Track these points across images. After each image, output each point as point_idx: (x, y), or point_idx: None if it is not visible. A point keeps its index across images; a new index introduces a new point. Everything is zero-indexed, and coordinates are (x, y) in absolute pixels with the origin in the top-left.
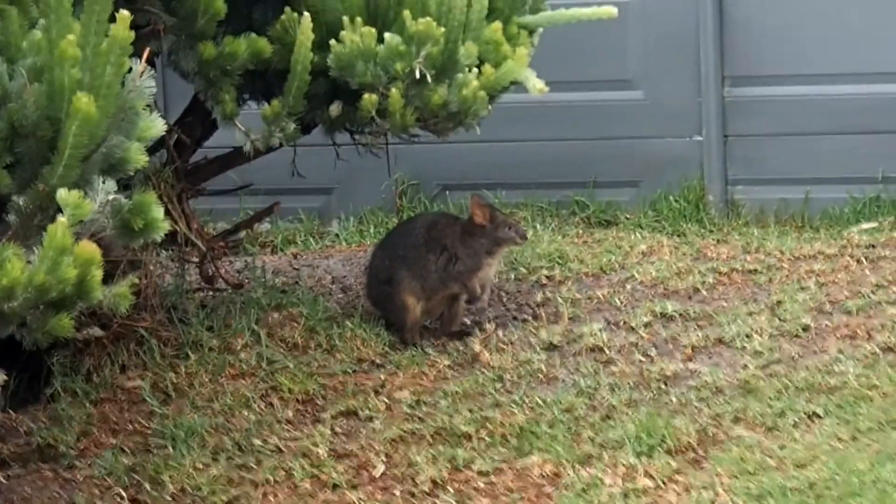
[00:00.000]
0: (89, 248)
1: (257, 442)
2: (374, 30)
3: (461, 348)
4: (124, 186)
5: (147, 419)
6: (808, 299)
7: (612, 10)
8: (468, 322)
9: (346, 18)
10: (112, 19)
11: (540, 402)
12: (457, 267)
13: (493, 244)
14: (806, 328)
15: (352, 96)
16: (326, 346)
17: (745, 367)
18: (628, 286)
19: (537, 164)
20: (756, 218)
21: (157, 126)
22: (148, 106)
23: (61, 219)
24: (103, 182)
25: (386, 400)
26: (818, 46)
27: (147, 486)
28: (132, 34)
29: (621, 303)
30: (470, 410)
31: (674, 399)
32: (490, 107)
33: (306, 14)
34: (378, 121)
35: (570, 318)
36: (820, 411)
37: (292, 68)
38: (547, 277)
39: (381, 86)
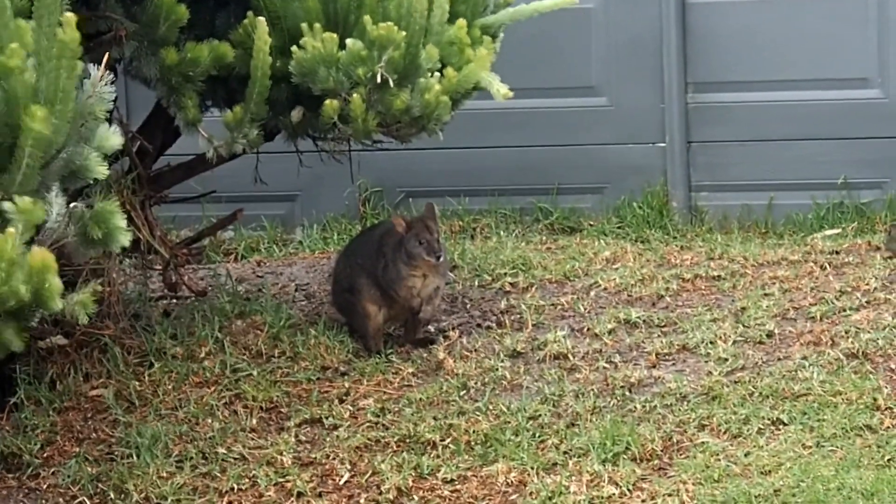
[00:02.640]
0: (42, 256)
1: (221, 450)
2: (335, 35)
3: (425, 356)
4: (87, 194)
5: (111, 427)
6: (772, 305)
7: None
8: (432, 329)
9: (305, 25)
10: None
11: (504, 409)
12: (387, 275)
13: (407, 256)
14: (770, 334)
15: (314, 102)
16: (290, 353)
17: (709, 373)
18: (592, 293)
19: (501, 171)
20: (720, 224)
21: (114, 139)
22: (109, 112)
23: (10, 230)
24: (64, 189)
25: (350, 408)
26: (781, 52)
27: (112, 494)
28: (78, 35)
29: (585, 309)
30: (434, 418)
31: (638, 406)
32: (453, 112)
33: (261, 18)
34: (340, 126)
35: (534, 326)
36: (784, 418)
37: (252, 74)
38: (511, 284)
39: (343, 91)
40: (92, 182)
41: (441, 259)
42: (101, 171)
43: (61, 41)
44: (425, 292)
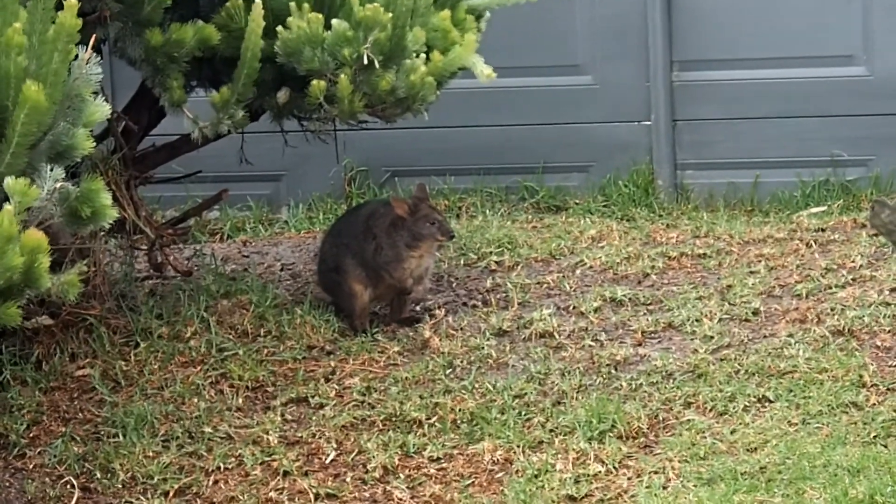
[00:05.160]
0: (36, 236)
1: (208, 429)
2: (321, 16)
3: (411, 335)
4: (72, 174)
5: (97, 407)
6: (758, 283)
7: None
8: (418, 308)
9: (293, 4)
10: (59, 6)
11: (490, 387)
12: (382, 257)
13: (412, 238)
14: (756, 312)
15: (299, 83)
16: (276, 333)
17: (695, 351)
18: (578, 271)
19: (486, 150)
20: (705, 202)
21: (102, 110)
22: (94, 93)
23: (7, 207)
24: (51, 169)
25: (336, 387)
26: (766, 30)
27: (98, 474)
28: (80, 22)
29: (571, 288)
30: (420, 397)
31: (624, 384)
32: (438, 92)
33: (258, 1)
34: (326, 107)
35: (519, 304)
36: (770, 395)
37: (242, 55)
38: (496, 263)
39: (329, 72)
40: (78, 161)
41: (454, 237)
42: (88, 146)
43: (60, 24)
44: (417, 273)
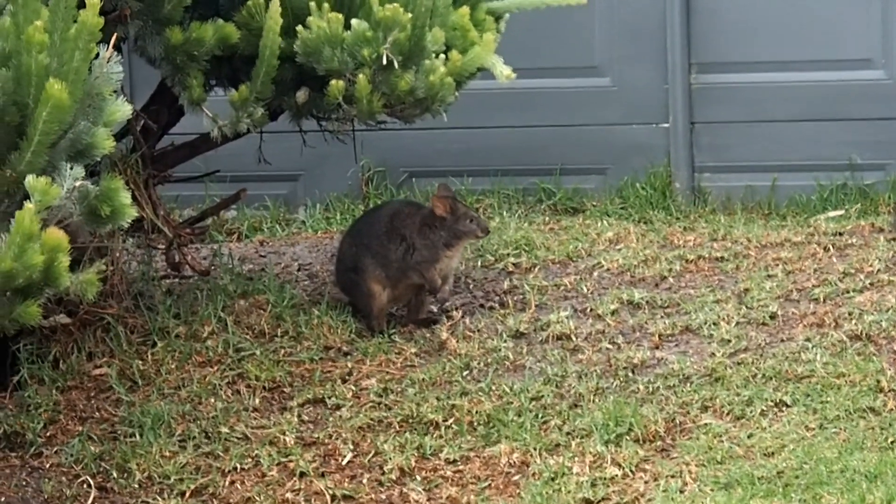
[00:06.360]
0: (56, 235)
1: (224, 430)
2: (340, 15)
3: (428, 336)
4: (91, 173)
5: (114, 406)
6: (776, 287)
7: None
8: (435, 309)
9: (313, 4)
10: (81, 5)
11: (507, 389)
12: (414, 257)
13: (452, 237)
14: (773, 316)
15: (318, 82)
16: (293, 333)
17: (712, 355)
18: (595, 274)
19: (504, 151)
20: (723, 205)
21: (123, 110)
22: (115, 91)
23: (28, 205)
24: (70, 168)
25: (353, 388)
26: (784, 33)
27: (114, 473)
28: (101, 20)
29: (588, 290)
30: (437, 398)
31: (641, 387)
32: (457, 93)
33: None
34: (345, 107)
35: (536, 306)
36: (788, 400)
37: (260, 53)
38: (514, 265)
39: (348, 72)
40: (98, 160)
41: (490, 232)
42: (109, 145)
43: (82, 22)
44: (444, 272)
